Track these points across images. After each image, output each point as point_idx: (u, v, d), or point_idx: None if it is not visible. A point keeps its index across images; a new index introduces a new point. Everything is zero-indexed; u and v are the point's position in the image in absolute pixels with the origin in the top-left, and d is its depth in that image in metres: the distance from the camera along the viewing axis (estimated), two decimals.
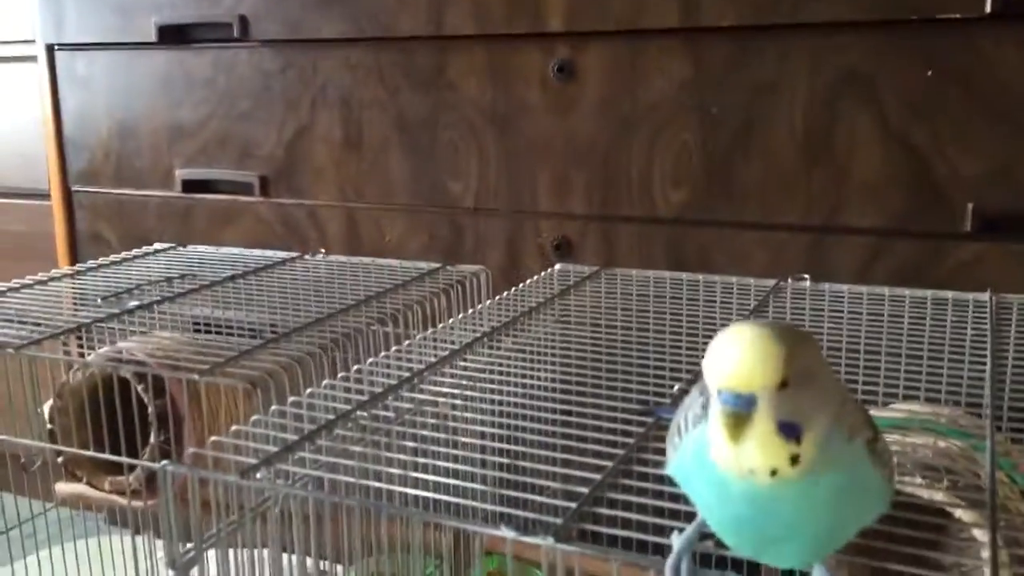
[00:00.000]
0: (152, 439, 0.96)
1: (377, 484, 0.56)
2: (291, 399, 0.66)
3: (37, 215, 1.69)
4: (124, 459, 0.91)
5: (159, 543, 1.26)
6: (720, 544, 0.48)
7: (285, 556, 0.62)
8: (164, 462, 0.54)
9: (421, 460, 0.58)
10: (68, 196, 1.63)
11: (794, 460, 0.43)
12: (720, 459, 0.44)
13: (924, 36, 1.09)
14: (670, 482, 0.50)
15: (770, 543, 0.46)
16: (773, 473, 0.43)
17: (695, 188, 1.22)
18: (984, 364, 0.81)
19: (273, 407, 0.63)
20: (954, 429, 0.74)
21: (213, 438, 0.58)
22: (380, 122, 1.38)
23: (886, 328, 0.90)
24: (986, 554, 0.66)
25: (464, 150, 1.34)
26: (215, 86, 1.48)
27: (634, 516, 0.52)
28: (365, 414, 0.66)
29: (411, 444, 0.61)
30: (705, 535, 0.50)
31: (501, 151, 1.32)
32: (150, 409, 0.97)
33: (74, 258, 1.63)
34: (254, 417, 0.61)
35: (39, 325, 0.96)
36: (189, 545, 0.57)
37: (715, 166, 1.21)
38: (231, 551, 0.59)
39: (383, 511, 0.52)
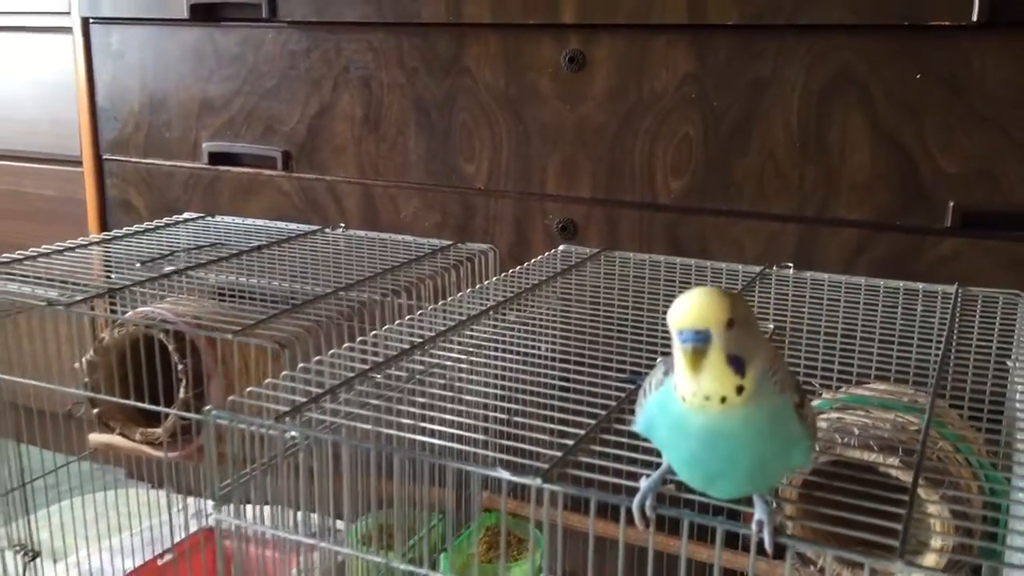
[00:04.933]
0: (181, 394, 1.05)
1: (390, 431, 0.64)
2: (316, 358, 0.74)
3: (68, 181, 1.76)
4: (161, 408, 0.99)
5: (176, 497, 1.35)
6: (680, 488, 0.57)
7: (301, 515, 0.70)
8: (208, 407, 0.62)
9: (430, 413, 0.66)
10: (99, 164, 1.71)
11: (739, 390, 0.52)
12: (683, 391, 0.53)
13: (915, 41, 1.16)
14: (642, 438, 0.59)
15: (714, 476, 0.55)
16: (723, 400, 0.52)
17: (695, 177, 1.29)
18: (949, 350, 0.88)
19: (300, 365, 0.71)
20: (913, 407, 0.82)
21: (249, 388, 0.66)
22: (399, 104, 1.46)
23: (861, 315, 0.98)
24: (935, 521, 0.74)
25: (478, 133, 1.41)
26: (243, 64, 1.55)
27: (611, 464, 0.60)
28: (379, 375, 0.74)
29: (421, 400, 0.69)
30: (668, 480, 0.58)
31: (513, 135, 1.39)
32: (179, 367, 1.05)
33: (103, 224, 1.71)
34: (284, 372, 0.69)
35: (77, 286, 1.04)
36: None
37: (714, 157, 1.28)
38: (249, 508, 0.67)
39: (396, 455, 0.60)
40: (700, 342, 0.52)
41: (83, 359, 1.09)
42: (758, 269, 1.09)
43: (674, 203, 1.31)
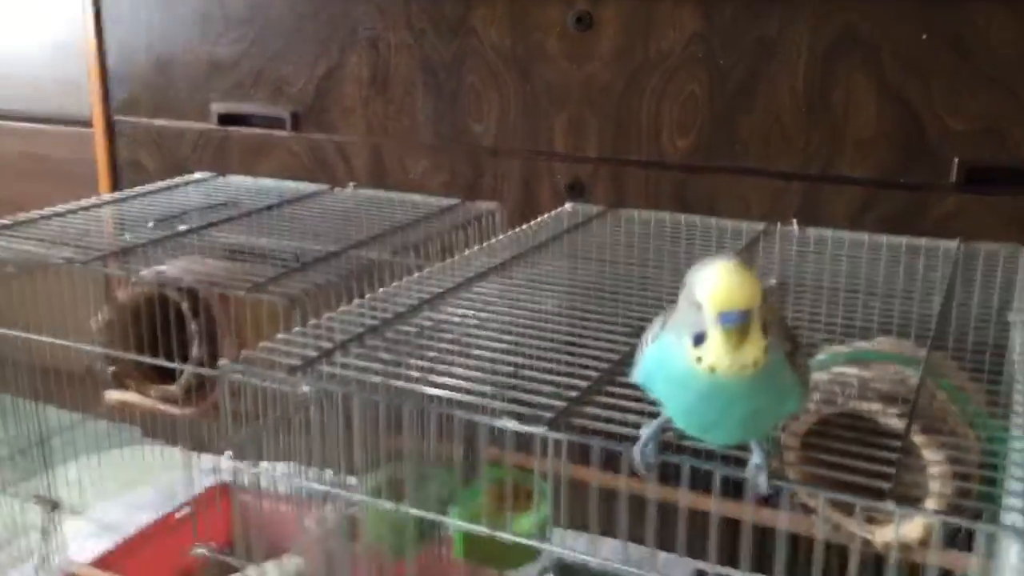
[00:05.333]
0: (195, 352, 1.07)
1: (400, 383, 0.65)
2: (326, 315, 0.75)
3: (78, 142, 1.77)
4: (177, 365, 1.01)
5: (192, 454, 1.37)
6: (680, 436, 0.58)
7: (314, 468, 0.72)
8: (223, 360, 0.64)
9: (439, 366, 0.68)
10: (110, 125, 1.72)
11: (764, 352, 0.54)
12: (717, 363, 0.54)
13: (920, 1, 1.16)
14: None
15: (710, 425, 0.57)
16: (754, 364, 0.53)
17: (700, 136, 1.30)
18: (949, 303, 0.90)
19: (311, 321, 0.73)
20: (913, 360, 0.83)
21: (262, 343, 0.67)
22: (406, 65, 1.46)
23: (864, 271, 0.99)
24: (934, 469, 0.75)
25: (485, 94, 1.42)
26: (251, 25, 1.56)
27: (615, 415, 0.62)
28: (389, 331, 0.76)
29: (430, 354, 0.71)
30: (667, 429, 0.60)
31: (520, 95, 1.40)
32: (192, 327, 1.07)
33: (115, 184, 1.72)
34: (295, 328, 0.71)
35: (91, 245, 1.05)
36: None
37: (720, 116, 1.28)
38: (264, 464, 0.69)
39: (404, 406, 0.62)
40: (745, 321, 0.53)
41: (98, 316, 1.11)
42: (763, 226, 1.10)
43: (680, 161, 1.32)
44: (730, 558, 0.65)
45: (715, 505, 0.58)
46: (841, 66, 1.21)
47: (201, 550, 1.28)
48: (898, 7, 1.17)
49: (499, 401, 0.63)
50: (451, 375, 0.67)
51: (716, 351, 0.54)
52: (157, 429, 1.67)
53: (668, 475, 0.68)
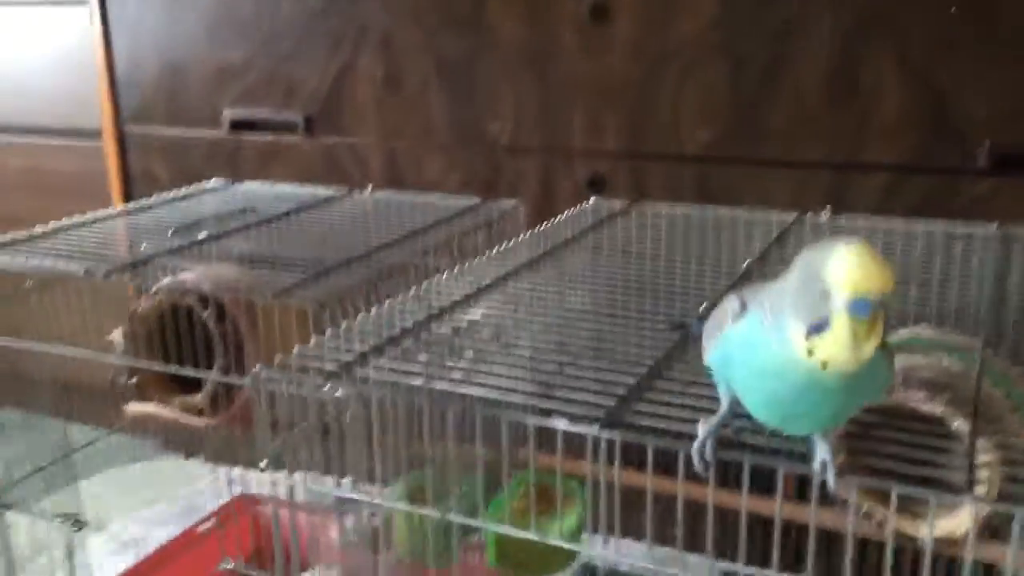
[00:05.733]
0: (219, 360, 1.05)
1: (441, 386, 0.63)
2: (358, 317, 0.73)
3: (88, 154, 1.76)
4: (201, 373, 0.99)
5: (213, 465, 1.36)
6: (739, 430, 0.56)
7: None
8: (258, 366, 0.62)
9: (480, 366, 0.66)
10: (121, 135, 1.70)
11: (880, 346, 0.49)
12: (833, 357, 0.49)
13: None
14: (697, 383, 0.58)
15: (797, 416, 0.53)
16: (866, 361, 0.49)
17: (722, 126, 1.28)
18: (1000, 291, 0.87)
19: (344, 324, 0.71)
20: (956, 350, 0.81)
21: (297, 347, 0.66)
22: (420, 63, 1.44)
23: (899, 258, 0.97)
24: (981, 458, 0.73)
25: (501, 90, 1.40)
26: (260, 28, 1.54)
27: (668, 412, 0.59)
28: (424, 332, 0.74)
29: (469, 355, 0.69)
30: (726, 425, 0.58)
31: (537, 91, 1.38)
32: (216, 335, 1.05)
33: (127, 195, 1.71)
34: (328, 330, 0.69)
35: (109, 257, 1.04)
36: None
37: (741, 105, 1.26)
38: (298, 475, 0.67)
39: (449, 409, 0.60)
40: (879, 311, 0.48)
41: (119, 328, 1.10)
42: (793, 215, 1.07)
43: (702, 153, 1.30)
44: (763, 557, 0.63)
45: (780, 505, 0.56)
46: (864, 48, 1.19)
47: (228, 565, 1.26)
48: None
49: (546, 400, 0.61)
50: (493, 375, 0.65)
51: (838, 343, 0.48)
52: (179, 442, 1.65)
53: (723, 479, 0.65)
